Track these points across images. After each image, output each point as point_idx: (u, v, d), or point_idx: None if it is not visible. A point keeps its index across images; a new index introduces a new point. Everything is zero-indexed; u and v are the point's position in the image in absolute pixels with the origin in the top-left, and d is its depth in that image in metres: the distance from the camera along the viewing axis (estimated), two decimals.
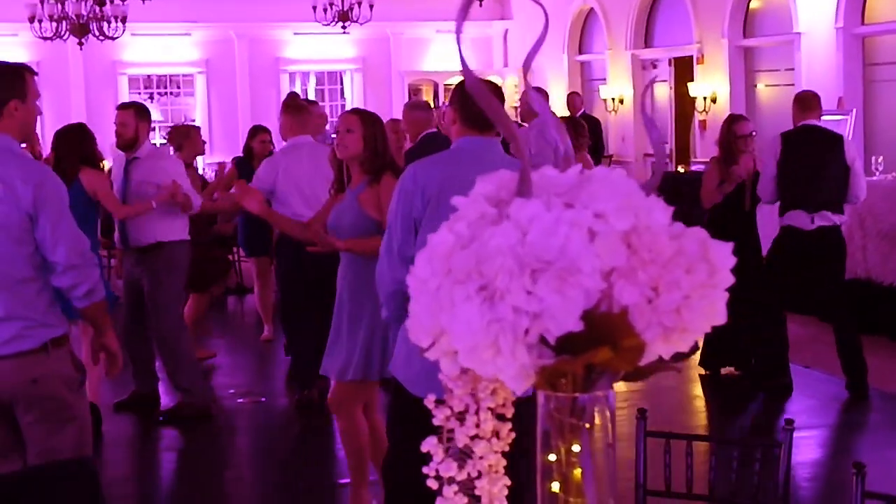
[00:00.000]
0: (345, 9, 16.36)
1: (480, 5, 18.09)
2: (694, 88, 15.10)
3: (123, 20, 15.63)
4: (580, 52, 18.85)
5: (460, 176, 3.53)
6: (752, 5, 14.51)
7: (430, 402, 1.61)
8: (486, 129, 3.62)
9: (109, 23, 15.67)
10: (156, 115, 19.65)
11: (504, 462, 1.68)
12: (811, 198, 6.81)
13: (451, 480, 1.64)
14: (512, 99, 20.34)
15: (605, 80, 17.72)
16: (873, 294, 8.51)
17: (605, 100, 17.44)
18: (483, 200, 1.47)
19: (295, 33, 19.61)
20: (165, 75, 20.15)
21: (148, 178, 6.80)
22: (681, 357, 1.50)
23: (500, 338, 1.35)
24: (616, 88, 17.19)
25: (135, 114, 7.10)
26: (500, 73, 20.81)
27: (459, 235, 1.42)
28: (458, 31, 1.47)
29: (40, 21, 15.42)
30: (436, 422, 1.62)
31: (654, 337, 1.39)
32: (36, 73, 4.09)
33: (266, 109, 18.65)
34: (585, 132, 8.53)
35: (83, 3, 15.33)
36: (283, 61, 20.53)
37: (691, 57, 15.41)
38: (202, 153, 8.65)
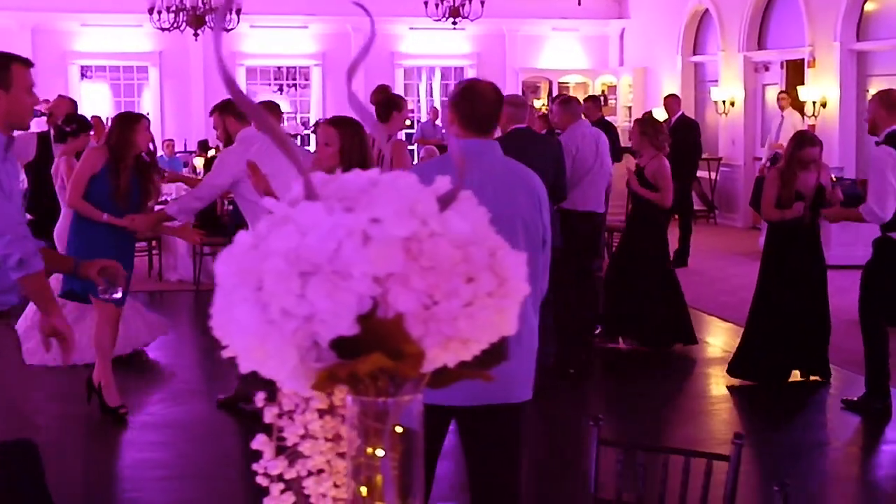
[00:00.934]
0: (456, 4, 16.38)
1: (579, 4, 17.94)
2: (804, 92, 14.75)
3: (238, 12, 15.93)
4: (694, 53, 18.56)
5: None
6: (868, 7, 14.11)
7: (259, 400, 1.63)
8: (484, 131, 3.62)
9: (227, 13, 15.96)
10: (285, 106, 20.08)
11: (344, 464, 1.68)
12: None
13: (279, 478, 1.65)
14: (626, 98, 20.21)
15: (717, 81, 17.42)
16: None
17: (715, 102, 17.15)
18: (286, 201, 1.49)
19: (411, 28, 19.73)
20: (283, 67, 20.49)
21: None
22: (486, 363, 1.50)
23: (267, 340, 1.36)
24: (727, 91, 16.89)
25: (218, 114, 7.21)
26: (616, 71, 20.63)
27: (257, 235, 1.43)
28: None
29: (159, 12, 15.81)
30: (265, 420, 1.64)
31: (433, 344, 1.39)
32: (30, 65, 4.02)
33: None
34: (663, 130, 8.43)
35: None
36: (398, 55, 20.69)
37: (802, 60, 15.06)
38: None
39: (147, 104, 19.91)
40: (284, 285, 1.34)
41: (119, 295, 4.18)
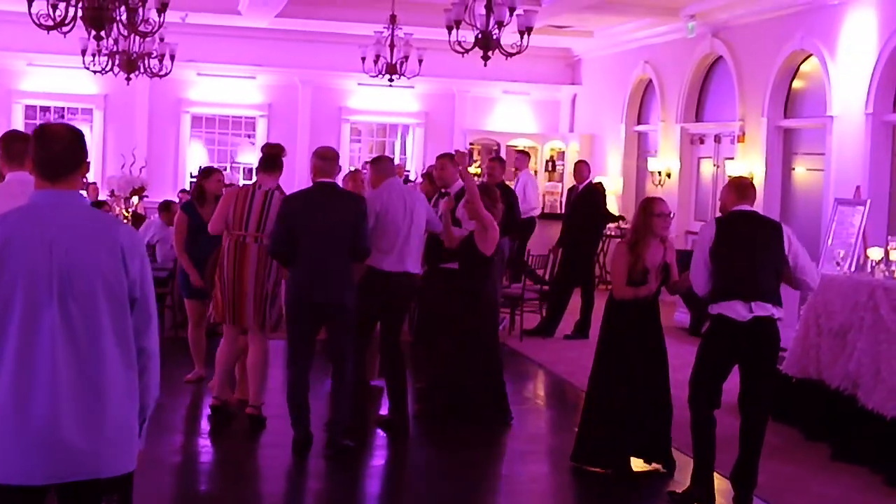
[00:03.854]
0: (393, 62, 16.22)
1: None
2: (732, 167, 14.56)
3: (172, 58, 15.76)
4: (639, 123, 18.42)
5: (29, 230, 3.28)
6: (796, 85, 13.96)
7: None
8: (59, 177, 3.33)
9: (161, 59, 15.81)
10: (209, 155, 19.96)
11: None
12: (749, 287, 6.31)
13: None
14: (571, 163, 20.02)
15: (654, 152, 17.27)
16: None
17: (651, 172, 16.98)
18: None
19: (359, 84, 19.58)
20: (228, 116, 20.37)
21: None
22: None
23: None
24: (664, 161, 16.71)
25: None
26: (565, 137, 20.49)
27: None
28: None
29: (94, 55, 15.65)
30: None
31: None
32: None
33: None
34: (496, 196, 8.27)
35: (132, 40, 15.51)
36: (345, 111, 20.56)
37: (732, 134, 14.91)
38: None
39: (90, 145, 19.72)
40: None
41: None
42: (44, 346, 3.20)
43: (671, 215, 7.07)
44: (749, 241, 6.44)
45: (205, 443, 7.89)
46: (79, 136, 3.42)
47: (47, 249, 3.24)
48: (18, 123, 19.41)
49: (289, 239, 7.22)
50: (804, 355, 8.23)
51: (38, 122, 19.95)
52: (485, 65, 11.37)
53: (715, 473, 6.58)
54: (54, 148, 3.34)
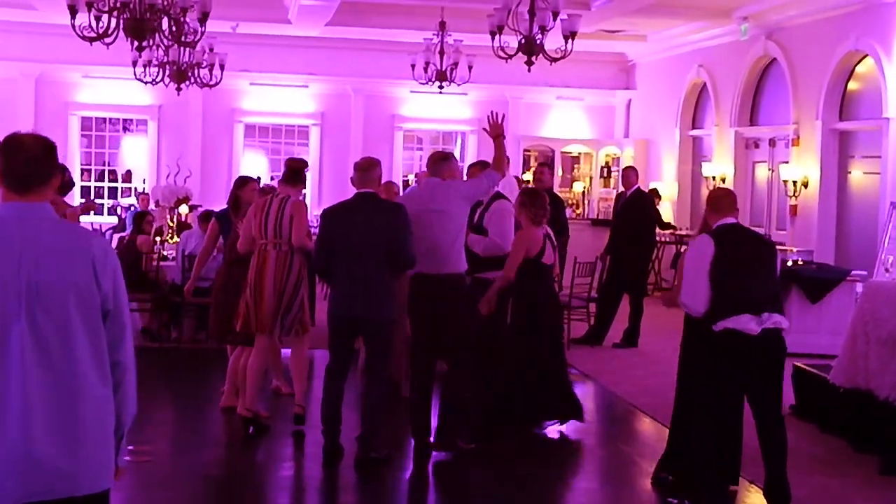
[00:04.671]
0: (443, 68, 16.12)
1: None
2: (785, 171, 14.27)
3: (222, 68, 15.80)
4: (693, 127, 18.14)
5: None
6: (851, 86, 13.64)
7: None
8: (26, 189, 3.23)
9: (211, 69, 15.85)
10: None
11: None
12: (758, 298, 6.11)
13: None
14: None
15: (709, 157, 16.99)
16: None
17: (706, 178, 16.70)
18: None
19: (412, 91, 19.50)
20: (281, 125, 20.41)
21: None
22: None
23: None
24: (719, 166, 16.42)
25: None
26: (620, 142, 20.26)
27: None
28: None
29: (144, 66, 15.73)
30: None
31: None
32: None
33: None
34: (544, 205, 8.04)
35: (182, 51, 15.57)
36: (398, 118, 20.51)
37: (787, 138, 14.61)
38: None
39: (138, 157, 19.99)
40: None
41: None
42: (14, 362, 3.12)
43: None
44: (750, 254, 6.27)
45: (233, 454, 7.83)
46: (49, 147, 3.32)
47: (16, 262, 3.16)
48: (75, 135, 19.69)
49: (328, 254, 7.14)
50: (852, 364, 7.97)
51: (93, 133, 20.21)
52: (528, 70, 11.23)
53: (750, 487, 6.36)
54: (20, 159, 3.25)
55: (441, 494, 7.26)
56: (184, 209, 15.18)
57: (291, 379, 8.55)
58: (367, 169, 7.28)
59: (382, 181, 8.29)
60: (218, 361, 9.85)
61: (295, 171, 8.24)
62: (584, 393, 10.32)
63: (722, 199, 6.46)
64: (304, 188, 8.61)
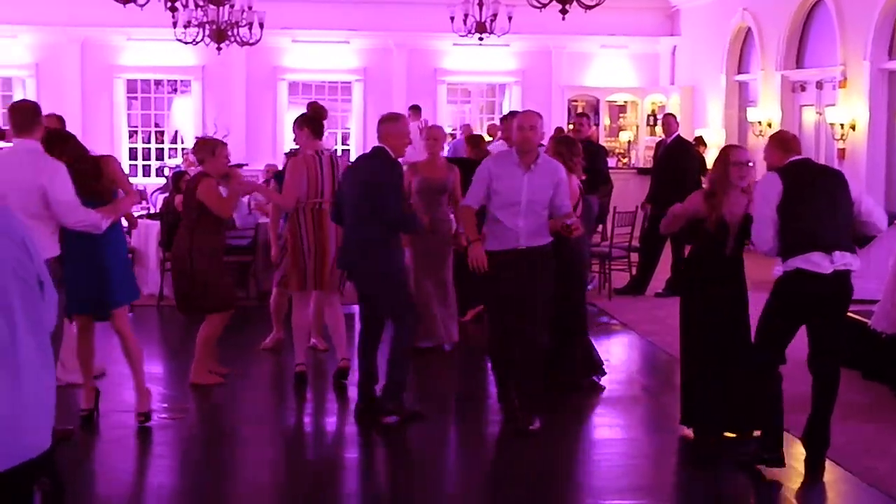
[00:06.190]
0: (482, 20, 15.97)
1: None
2: (832, 114, 13.99)
3: (261, 26, 15.74)
4: (739, 72, 17.84)
5: None
6: None
7: None
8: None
9: (250, 27, 15.80)
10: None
11: None
12: (829, 237, 5.96)
13: None
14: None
15: (755, 102, 16.70)
16: None
17: (751, 123, 16.43)
18: None
19: (454, 44, 19.34)
20: (324, 82, 20.36)
21: None
22: None
23: None
24: (765, 111, 16.15)
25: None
26: (666, 90, 20.00)
27: None
28: None
29: (185, 26, 15.72)
30: None
31: None
32: None
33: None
34: (578, 151, 7.91)
35: (221, 10, 15.54)
36: (441, 72, 20.38)
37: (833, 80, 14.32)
38: (224, 171, 8.26)
39: (187, 118, 20.04)
40: None
41: None
42: None
43: (750, 164, 6.64)
44: (819, 190, 6.08)
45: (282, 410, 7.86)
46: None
47: None
48: (120, 97, 19.78)
49: (339, 207, 7.37)
50: (894, 309, 7.82)
51: (139, 95, 20.30)
52: (563, 18, 11.08)
53: (785, 434, 6.26)
54: None
55: (493, 447, 7.17)
56: None
57: (327, 336, 8.58)
58: (384, 122, 7.21)
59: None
60: (259, 317, 9.90)
61: (320, 123, 8.27)
62: (626, 343, 10.25)
63: (793, 140, 6.33)
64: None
